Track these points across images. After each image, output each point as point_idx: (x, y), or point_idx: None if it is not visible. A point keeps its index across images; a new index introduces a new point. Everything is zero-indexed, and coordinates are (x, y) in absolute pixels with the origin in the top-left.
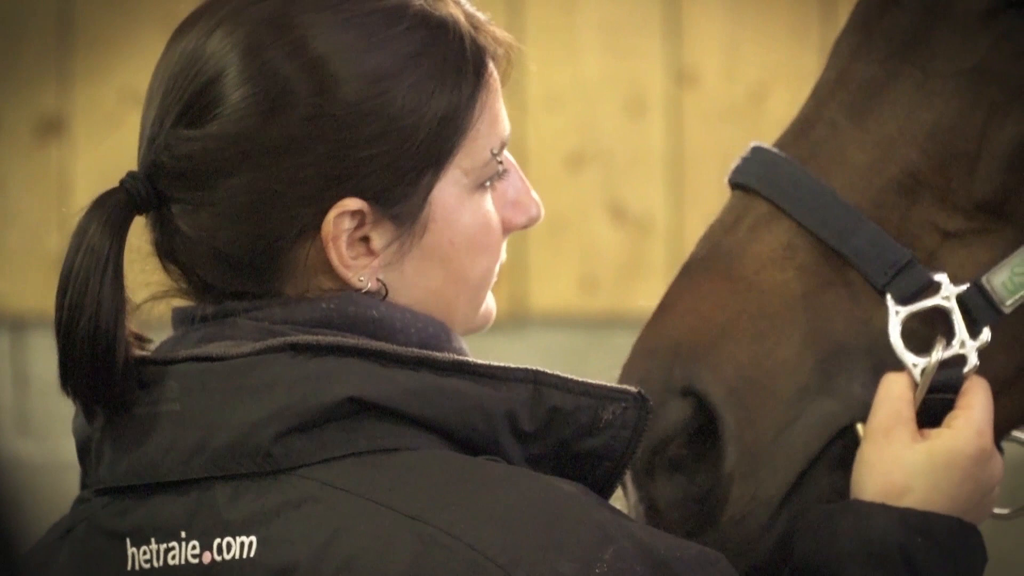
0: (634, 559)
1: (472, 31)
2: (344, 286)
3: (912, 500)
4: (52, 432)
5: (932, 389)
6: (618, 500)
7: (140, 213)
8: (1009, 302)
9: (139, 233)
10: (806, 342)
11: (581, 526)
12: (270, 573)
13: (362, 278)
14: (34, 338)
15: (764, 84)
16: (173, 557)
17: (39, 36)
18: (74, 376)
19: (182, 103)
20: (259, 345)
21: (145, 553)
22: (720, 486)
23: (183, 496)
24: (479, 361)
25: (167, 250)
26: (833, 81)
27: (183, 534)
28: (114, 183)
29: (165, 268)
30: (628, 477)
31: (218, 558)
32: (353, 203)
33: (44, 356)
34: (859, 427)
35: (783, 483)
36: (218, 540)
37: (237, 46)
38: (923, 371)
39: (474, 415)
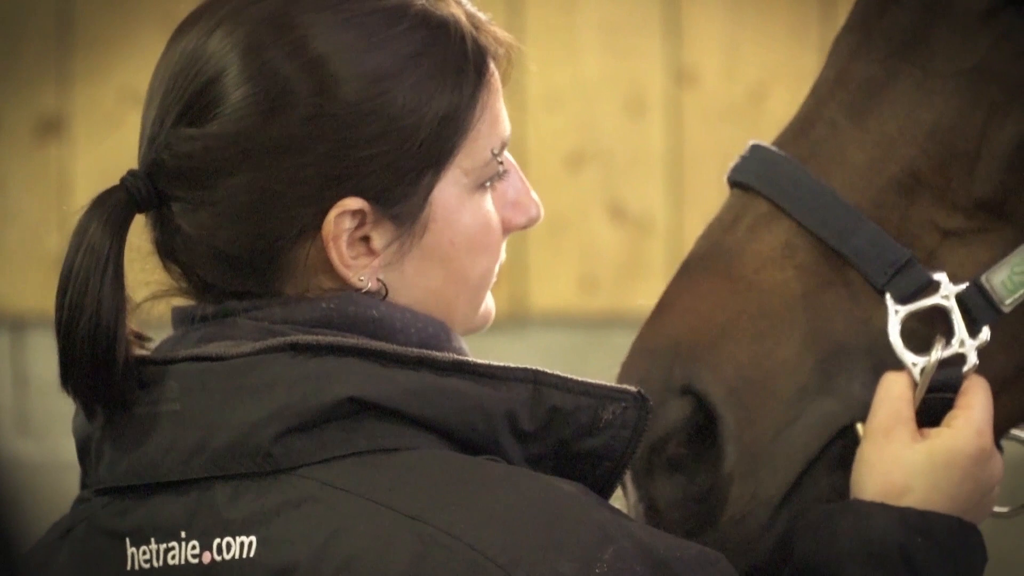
0: (634, 559)
1: (473, 31)
2: (344, 286)
3: (912, 500)
4: (52, 432)
5: (932, 388)
6: (618, 500)
7: (140, 212)
8: (1008, 301)
9: (139, 232)
10: (806, 342)
11: (581, 526)
12: (270, 573)
13: (362, 278)
14: (34, 338)
15: (764, 84)
16: (173, 557)
17: (39, 36)
18: (74, 375)
19: (183, 102)
20: (259, 345)
21: (145, 553)
22: (720, 486)
23: (183, 496)
24: (479, 361)
25: (167, 249)
26: (833, 80)
27: (183, 534)
28: (114, 183)
29: (165, 267)
30: (628, 477)
31: (218, 558)
32: (353, 203)
33: (44, 356)
34: (859, 427)
35: (783, 483)
36: (218, 540)
37: (237, 46)
38: (923, 370)
39: (474, 415)
